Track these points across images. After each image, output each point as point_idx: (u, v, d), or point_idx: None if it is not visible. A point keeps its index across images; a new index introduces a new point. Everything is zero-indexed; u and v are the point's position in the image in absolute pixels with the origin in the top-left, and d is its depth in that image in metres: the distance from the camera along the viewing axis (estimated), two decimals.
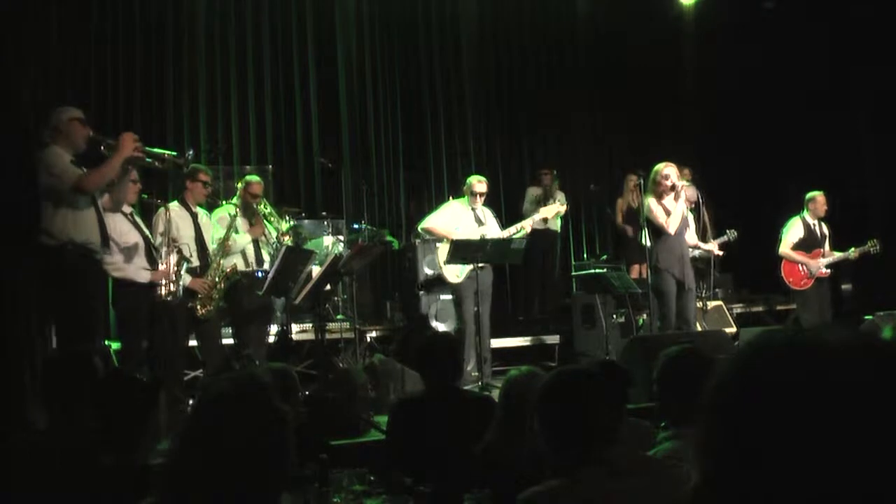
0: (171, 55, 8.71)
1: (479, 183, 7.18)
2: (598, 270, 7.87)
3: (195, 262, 6.08)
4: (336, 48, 9.51)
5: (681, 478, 2.14)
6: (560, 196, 9.21)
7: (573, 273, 9.15)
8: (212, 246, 6.24)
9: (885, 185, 9.46)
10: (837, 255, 8.00)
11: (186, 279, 5.92)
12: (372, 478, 3.06)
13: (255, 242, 6.55)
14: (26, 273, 4.57)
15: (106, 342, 6.61)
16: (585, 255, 9.94)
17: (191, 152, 5.67)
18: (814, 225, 8.10)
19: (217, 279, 6.05)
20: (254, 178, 6.75)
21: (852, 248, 7.97)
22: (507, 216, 8.72)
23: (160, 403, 2.75)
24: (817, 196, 8.07)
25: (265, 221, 6.57)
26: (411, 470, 3.32)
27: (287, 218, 6.85)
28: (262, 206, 6.57)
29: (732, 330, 7.94)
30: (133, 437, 2.60)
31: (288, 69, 9.30)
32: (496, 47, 10.30)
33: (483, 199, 7.21)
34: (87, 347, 3.77)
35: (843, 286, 9.26)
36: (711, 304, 8.40)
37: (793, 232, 8.09)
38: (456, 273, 6.97)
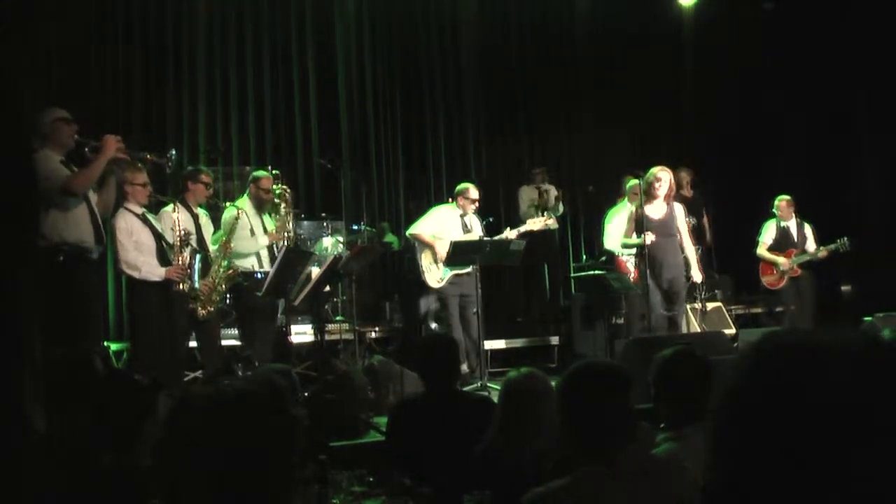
0: (171, 55, 8.70)
1: (474, 189, 7.29)
2: (597, 272, 7.88)
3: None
4: (336, 48, 9.51)
5: (682, 478, 2.15)
6: (552, 191, 9.18)
7: (572, 275, 9.16)
8: (213, 247, 6.23)
9: (884, 186, 9.46)
10: (807, 254, 8.14)
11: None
12: (371, 479, 3.06)
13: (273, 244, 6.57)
14: (26, 273, 4.57)
15: (105, 342, 6.62)
16: (584, 257, 9.93)
17: (173, 152, 5.65)
18: (787, 226, 8.30)
19: (218, 281, 6.04)
20: (262, 172, 6.73)
21: (821, 248, 8.10)
22: (507, 217, 8.74)
23: (160, 404, 2.75)
24: (779, 203, 8.30)
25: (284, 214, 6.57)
26: (411, 471, 3.32)
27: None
28: (276, 191, 6.50)
29: (732, 331, 7.94)
30: (133, 437, 2.60)
31: (288, 69, 9.30)
32: (496, 47, 10.29)
33: (476, 206, 7.29)
34: (86, 348, 3.77)
35: (843, 287, 9.28)
36: (711, 305, 8.40)
37: (767, 234, 8.36)
38: (437, 278, 7.03)
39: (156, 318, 5.64)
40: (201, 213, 6.32)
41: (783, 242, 8.29)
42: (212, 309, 5.97)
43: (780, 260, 8.20)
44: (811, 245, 8.25)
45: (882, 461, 0.70)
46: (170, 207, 6.03)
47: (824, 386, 0.73)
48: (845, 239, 8.03)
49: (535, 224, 7.42)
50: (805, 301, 8.16)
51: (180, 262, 5.69)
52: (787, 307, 8.19)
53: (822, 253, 8.08)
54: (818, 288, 8.29)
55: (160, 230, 5.84)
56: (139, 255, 5.62)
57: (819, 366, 0.74)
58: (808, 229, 8.34)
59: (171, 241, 5.80)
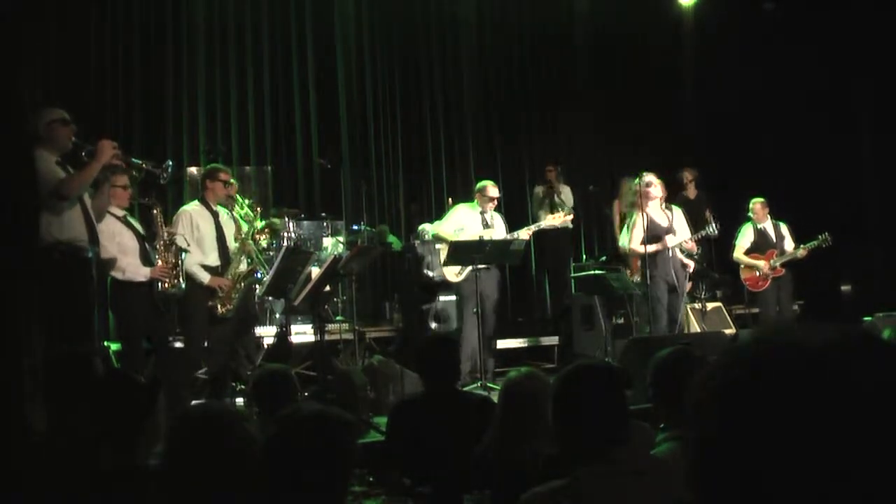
0: (171, 55, 8.70)
1: (492, 188, 7.32)
2: (597, 272, 7.88)
3: (212, 261, 6.06)
4: (336, 49, 9.51)
5: (681, 478, 2.14)
6: (566, 191, 9.18)
7: (572, 274, 9.15)
8: (233, 245, 6.19)
9: (883, 186, 9.47)
10: (787, 254, 8.19)
11: (205, 277, 5.92)
12: (371, 479, 3.06)
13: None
14: (25, 274, 4.57)
15: (105, 343, 6.62)
16: (584, 257, 9.93)
17: (169, 163, 5.63)
18: (763, 228, 8.36)
19: (237, 278, 6.03)
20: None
21: (801, 246, 8.13)
22: (507, 217, 8.72)
23: (160, 404, 2.75)
24: (753, 206, 8.38)
25: (241, 221, 6.50)
26: (410, 471, 3.32)
27: (257, 214, 6.70)
28: (238, 205, 6.48)
29: (731, 331, 7.95)
30: (132, 438, 2.60)
31: (288, 69, 9.30)
32: (495, 48, 10.30)
33: (495, 204, 7.32)
34: (86, 348, 3.77)
35: (843, 287, 9.28)
36: (711, 305, 8.41)
37: (744, 238, 8.42)
38: (455, 272, 7.04)
39: (142, 318, 5.64)
40: (222, 211, 6.29)
41: (762, 244, 8.32)
42: (230, 307, 5.96)
43: (760, 263, 8.22)
44: (789, 244, 8.28)
45: (865, 463, 0.70)
46: (190, 206, 6.11)
47: (806, 385, 0.72)
48: (826, 234, 8.04)
49: (554, 220, 7.48)
50: (782, 300, 8.21)
51: (160, 263, 5.70)
52: (768, 308, 8.21)
53: (802, 252, 8.11)
54: (798, 286, 8.34)
55: (141, 231, 5.85)
56: (123, 257, 5.62)
57: (799, 364, 0.73)
58: (784, 229, 8.39)
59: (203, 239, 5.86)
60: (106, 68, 8.34)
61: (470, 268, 6.93)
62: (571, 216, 7.93)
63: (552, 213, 8.11)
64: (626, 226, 7.83)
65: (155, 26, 8.67)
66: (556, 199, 9.10)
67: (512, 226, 7.41)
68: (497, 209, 7.44)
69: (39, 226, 4.62)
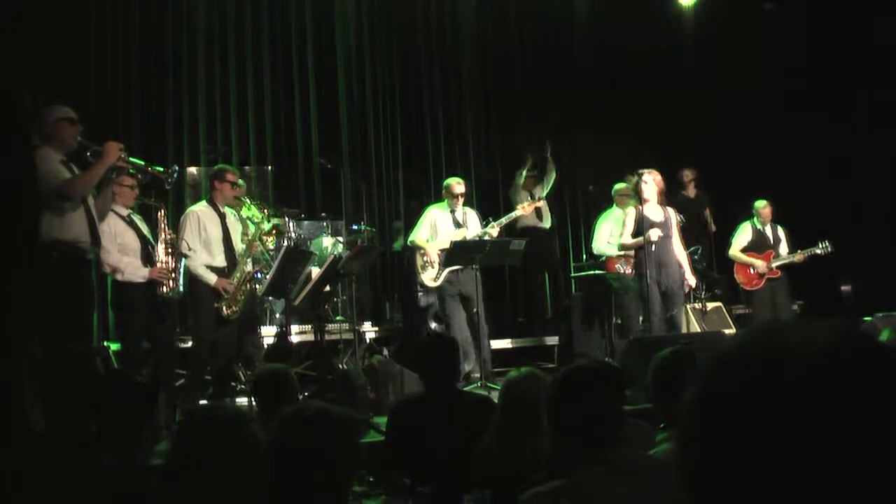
0: (171, 55, 8.69)
1: (457, 185, 7.26)
2: (597, 272, 7.88)
3: (219, 263, 6.06)
4: (336, 48, 9.50)
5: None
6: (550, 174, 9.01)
7: (572, 274, 9.15)
8: (240, 246, 6.19)
9: (883, 186, 9.46)
10: (784, 257, 8.23)
11: (212, 278, 5.92)
12: (371, 479, 3.07)
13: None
14: (25, 273, 4.57)
15: (105, 343, 6.63)
16: (584, 257, 9.93)
17: (175, 168, 5.63)
18: (763, 229, 8.40)
19: (243, 279, 6.03)
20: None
21: (799, 251, 8.17)
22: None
23: (160, 404, 2.76)
24: (759, 208, 8.39)
25: (248, 223, 6.48)
26: (410, 471, 3.32)
27: (265, 215, 6.70)
28: (244, 207, 6.45)
29: (732, 331, 7.94)
30: (132, 437, 2.60)
31: (288, 69, 9.29)
32: (495, 47, 10.29)
33: (462, 199, 7.27)
34: (86, 348, 3.77)
35: (843, 287, 9.28)
36: (711, 305, 8.41)
37: (742, 236, 8.45)
38: (432, 277, 7.04)
39: (142, 318, 5.64)
40: (229, 212, 6.27)
41: (759, 244, 8.35)
42: (236, 309, 5.96)
43: (758, 262, 8.26)
44: (784, 248, 8.32)
45: (864, 467, 0.70)
46: (197, 207, 6.11)
47: (800, 390, 0.72)
48: (826, 242, 8.04)
49: (523, 211, 7.46)
50: (779, 302, 8.22)
51: (160, 265, 5.71)
52: (762, 309, 8.23)
53: (799, 256, 8.14)
54: (797, 286, 8.35)
55: (145, 233, 5.85)
56: (122, 257, 5.63)
57: (792, 370, 0.73)
58: (781, 232, 8.42)
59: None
60: (106, 69, 8.33)
61: (447, 271, 6.94)
62: (541, 203, 7.80)
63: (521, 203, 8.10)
64: (596, 226, 7.89)
65: (155, 26, 8.66)
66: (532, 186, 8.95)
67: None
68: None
69: (41, 226, 4.63)
